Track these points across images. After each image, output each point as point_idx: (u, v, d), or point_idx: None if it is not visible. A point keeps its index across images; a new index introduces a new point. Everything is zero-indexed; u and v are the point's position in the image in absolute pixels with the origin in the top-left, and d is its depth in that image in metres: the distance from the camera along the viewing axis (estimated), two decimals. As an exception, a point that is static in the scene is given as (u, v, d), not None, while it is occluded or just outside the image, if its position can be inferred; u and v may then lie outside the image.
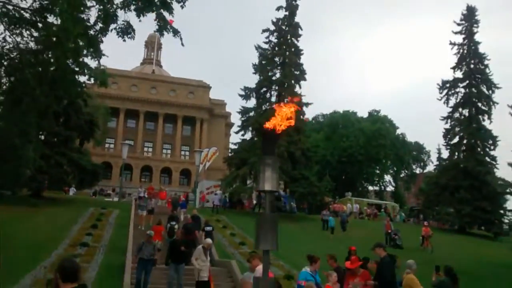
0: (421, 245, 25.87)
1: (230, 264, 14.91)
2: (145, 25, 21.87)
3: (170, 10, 12.52)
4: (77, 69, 14.49)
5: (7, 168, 14.82)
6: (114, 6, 12.07)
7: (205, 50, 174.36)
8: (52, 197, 29.94)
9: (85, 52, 13.23)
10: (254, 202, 36.38)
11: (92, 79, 16.06)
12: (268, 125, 4.85)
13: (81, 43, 12.53)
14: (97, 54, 13.00)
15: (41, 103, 14.60)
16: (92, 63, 14.50)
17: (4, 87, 15.09)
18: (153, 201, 27.03)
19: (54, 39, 12.56)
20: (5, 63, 14.11)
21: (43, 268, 13.26)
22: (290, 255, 16.59)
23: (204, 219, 20.77)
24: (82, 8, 12.18)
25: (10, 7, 13.03)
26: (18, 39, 13.67)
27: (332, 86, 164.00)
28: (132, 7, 12.05)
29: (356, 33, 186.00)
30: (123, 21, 12.40)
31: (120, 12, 12.19)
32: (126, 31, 12.42)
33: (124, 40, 12.42)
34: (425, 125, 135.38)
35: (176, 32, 12.82)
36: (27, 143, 15.57)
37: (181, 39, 12.89)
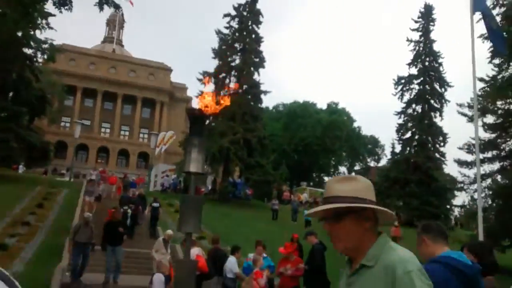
0: None
1: (174, 248, 14.91)
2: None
3: None
4: (24, 41, 13.98)
5: None
6: None
7: (169, 33, 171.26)
8: (-3, 174, 28.81)
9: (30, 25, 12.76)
10: (209, 187, 36.35)
11: (39, 53, 15.56)
12: (195, 106, 4.92)
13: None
14: (34, 25, 12.56)
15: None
16: (41, 37, 14.00)
17: None
18: (101, 186, 25.34)
19: None
20: None
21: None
22: (235, 239, 16.73)
23: (154, 197, 20.73)
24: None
25: None
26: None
27: (296, 76, 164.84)
28: None
29: (320, 23, 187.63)
30: None
31: None
32: (64, 2, 12.00)
33: (61, 12, 12.04)
34: (383, 120, 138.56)
35: (117, 7, 12.56)
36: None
37: (122, 15, 12.74)
